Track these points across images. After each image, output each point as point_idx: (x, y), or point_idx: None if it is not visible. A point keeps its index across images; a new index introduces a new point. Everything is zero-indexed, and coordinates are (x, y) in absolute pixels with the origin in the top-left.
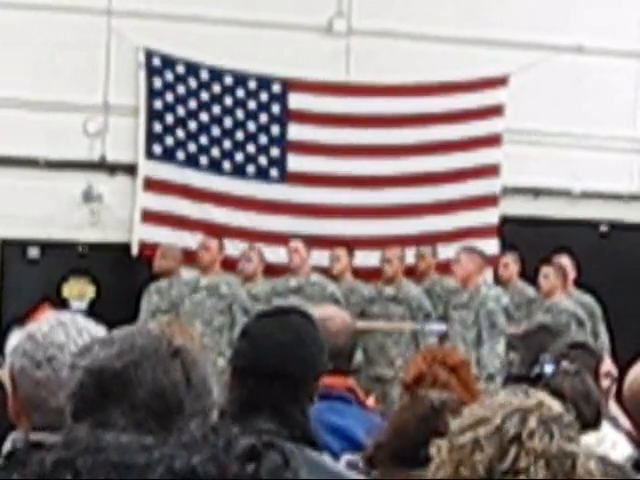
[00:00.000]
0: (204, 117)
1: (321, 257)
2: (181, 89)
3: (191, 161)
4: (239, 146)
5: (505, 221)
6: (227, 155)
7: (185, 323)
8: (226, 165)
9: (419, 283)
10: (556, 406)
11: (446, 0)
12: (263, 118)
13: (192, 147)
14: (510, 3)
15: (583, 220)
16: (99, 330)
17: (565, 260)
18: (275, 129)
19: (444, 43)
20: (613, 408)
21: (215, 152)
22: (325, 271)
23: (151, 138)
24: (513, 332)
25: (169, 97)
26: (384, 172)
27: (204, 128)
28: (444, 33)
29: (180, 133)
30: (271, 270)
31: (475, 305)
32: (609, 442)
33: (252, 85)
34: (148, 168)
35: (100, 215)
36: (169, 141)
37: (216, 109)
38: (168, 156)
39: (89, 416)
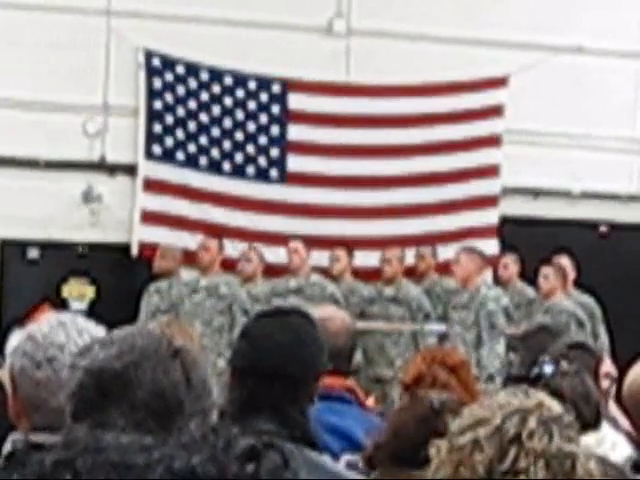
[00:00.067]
0: (204, 118)
1: (321, 257)
2: (181, 89)
3: (191, 161)
4: (239, 146)
5: (505, 221)
6: (227, 155)
7: (185, 324)
8: (226, 165)
9: (419, 283)
10: (556, 407)
11: (446, 0)
12: (263, 118)
13: (192, 147)
14: (510, 3)
15: (583, 221)
16: (99, 331)
17: (565, 261)
18: (275, 129)
19: (444, 43)
20: (613, 409)
21: (215, 152)
22: (325, 271)
23: (151, 138)
24: (513, 333)
25: (169, 97)
26: (384, 172)
27: (204, 128)
28: (444, 33)
29: (180, 134)
30: (271, 270)
31: (475, 306)
32: (609, 443)
33: (252, 85)
34: (148, 168)
35: (100, 215)
36: (169, 141)
37: (216, 109)
38: (168, 157)
39: (89, 416)
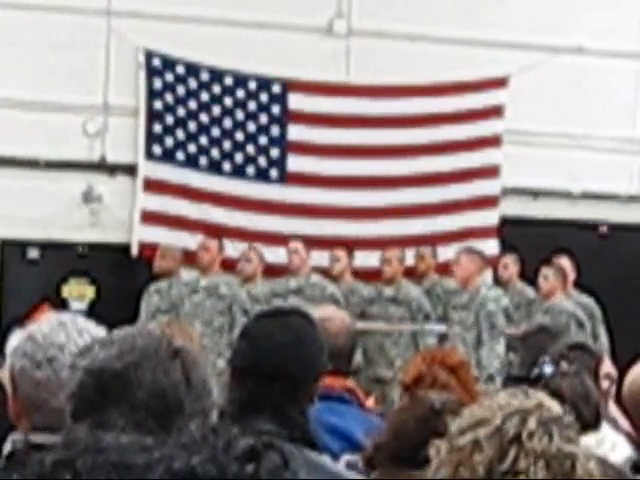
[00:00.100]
0: (204, 118)
1: (321, 258)
2: (181, 90)
3: (191, 162)
4: (239, 147)
5: (505, 222)
6: (227, 156)
7: (185, 324)
8: (226, 166)
9: (419, 284)
10: (556, 407)
11: (446, 1)
12: (263, 119)
13: (192, 148)
14: (510, 4)
15: (583, 221)
16: (99, 331)
17: (565, 261)
18: (275, 130)
19: (444, 44)
20: (613, 409)
21: (215, 153)
22: (325, 272)
23: (151, 139)
24: (513, 333)
25: (169, 98)
26: (384, 172)
27: (204, 129)
28: (444, 34)
29: (180, 134)
30: (271, 271)
31: (475, 306)
32: (609, 443)
33: (252, 86)
34: (148, 169)
35: (100, 216)
36: (169, 142)
37: (216, 110)
38: (168, 157)
39: (89, 416)
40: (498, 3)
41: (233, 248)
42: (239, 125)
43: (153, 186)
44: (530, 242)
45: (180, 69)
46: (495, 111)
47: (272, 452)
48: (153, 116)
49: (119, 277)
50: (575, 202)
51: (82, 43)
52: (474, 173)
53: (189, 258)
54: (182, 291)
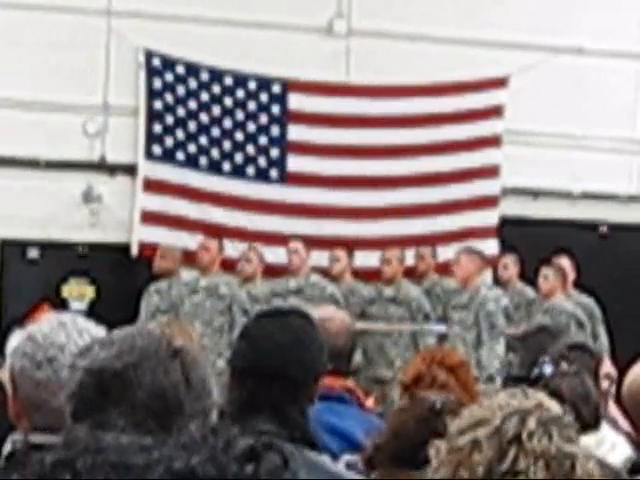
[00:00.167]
0: (204, 118)
1: (321, 258)
2: (181, 90)
3: (191, 162)
4: (239, 147)
5: (505, 222)
6: (227, 156)
7: (185, 324)
8: (226, 166)
9: (419, 284)
10: (555, 407)
11: (446, 1)
12: (263, 119)
13: (192, 148)
14: (510, 4)
15: (583, 221)
16: (99, 331)
17: (565, 261)
18: (275, 130)
19: (444, 44)
20: (613, 409)
21: (215, 153)
22: (325, 272)
23: (151, 139)
24: (512, 333)
25: (169, 98)
26: (384, 173)
27: (204, 129)
28: (444, 34)
29: (180, 134)
30: (271, 271)
31: (475, 306)
32: (608, 443)
33: (252, 86)
34: (148, 169)
35: (100, 216)
36: (169, 142)
37: (216, 110)
38: (168, 157)
39: (89, 416)
40: (498, 3)
41: (233, 248)
42: (239, 125)
43: (153, 186)
44: (530, 242)
45: (180, 69)
46: (495, 111)
47: (272, 452)
48: (153, 116)
49: (119, 277)
50: (575, 202)
51: (82, 43)
52: (474, 173)
53: (189, 258)
54: (182, 291)
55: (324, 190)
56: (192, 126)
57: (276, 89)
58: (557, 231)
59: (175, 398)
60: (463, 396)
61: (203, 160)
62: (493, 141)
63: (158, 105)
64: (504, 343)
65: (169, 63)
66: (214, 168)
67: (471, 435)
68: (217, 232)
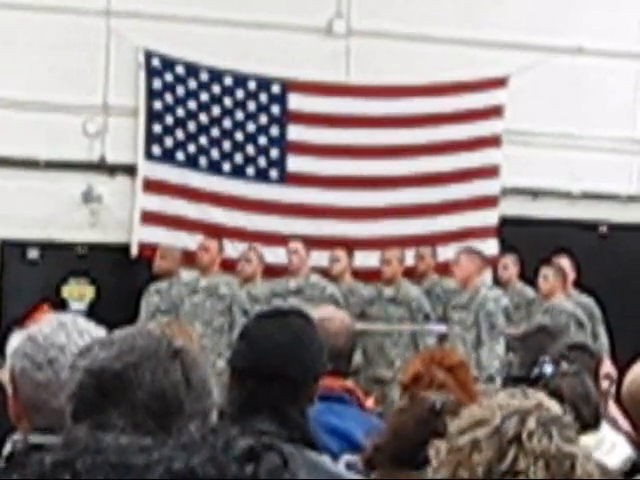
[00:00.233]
0: (204, 118)
1: (320, 258)
2: (181, 90)
3: (190, 162)
4: (239, 147)
5: (504, 222)
6: (227, 156)
7: (185, 324)
8: (226, 166)
9: (418, 284)
10: (555, 407)
11: (445, 1)
12: (263, 119)
13: (192, 148)
14: (509, 4)
15: (582, 221)
16: (100, 331)
17: (564, 261)
18: (274, 130)
19: (443, 44)
20: (613, 409)
21: (215, 153)
22: (324, 272)
23: (151, 139)
24: (512, 333)
25: (169, 98)
26: (384, 173)
27: (204, 129)
28: (443, 34)
29: (180, 134)
30: (270, 271)
31: (474, 306)
32: (608, 443)
33: (252, 86)
34: (148, 169)
35: (100, 216)
36: (169, 142)
37: (216, 110)
38: (168, 157)
39: (89, 417)
40: (498, 3)
41: (233, 248)
42: (239, 125)
43: (153, 186)
44: (530, 242)
45: (180, 69)
46: (495, 111)
47: (271, 452)
48: (153, 116)
49: (119, 277)
50: (575, 202)
51: (82, 43)
52: (474, 173)
53: (189, 258)
54: (182, 291)
55: (324, 190)
56: (192, 126)
57: (276, 89)
58: (557, 231)
59: (175, 398)
60: (462, 396)
61: (203, 160)
62: (493, 141)
63: (158, 105)
64: (504, 343)
65: (169, 63)
66: (214, 168)
67: (471, 435)
68: (217, 232)
